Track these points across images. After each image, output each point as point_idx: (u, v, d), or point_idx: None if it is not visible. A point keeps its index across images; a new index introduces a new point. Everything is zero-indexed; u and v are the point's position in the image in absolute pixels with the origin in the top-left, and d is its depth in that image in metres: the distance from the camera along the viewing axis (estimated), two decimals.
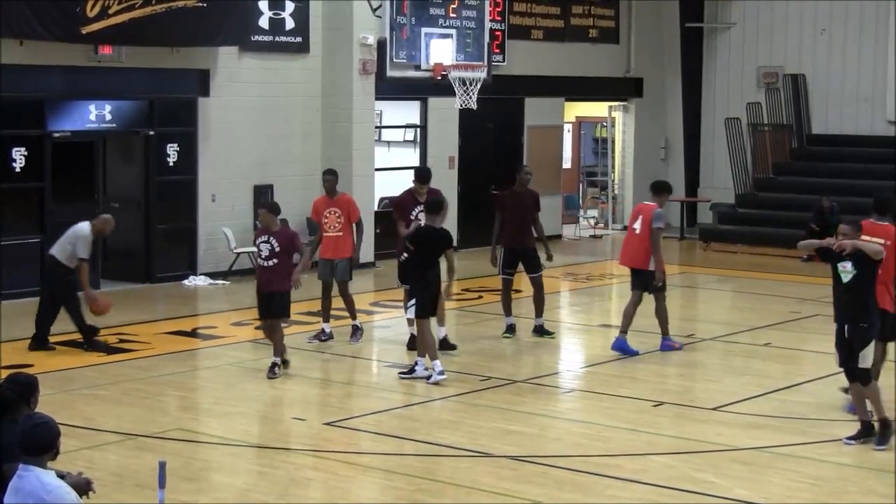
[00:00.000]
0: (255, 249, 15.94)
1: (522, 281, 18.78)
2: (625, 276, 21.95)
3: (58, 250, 16.81)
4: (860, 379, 12.36)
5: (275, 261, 15.28)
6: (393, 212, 17.72)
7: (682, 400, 14.51)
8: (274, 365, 15.31)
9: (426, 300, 15.15)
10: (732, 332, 18.15)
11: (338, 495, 11.06)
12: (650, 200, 17.00)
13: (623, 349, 16.65)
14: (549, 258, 18.06)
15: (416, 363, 15.28)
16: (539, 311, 17.87)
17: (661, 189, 17.18)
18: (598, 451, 12.36)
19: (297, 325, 17.86)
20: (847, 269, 12.22)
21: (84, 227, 16.75)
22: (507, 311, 17.95)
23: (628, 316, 16.77)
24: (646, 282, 16.76)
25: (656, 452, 12.33)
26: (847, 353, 12.39)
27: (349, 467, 11.88)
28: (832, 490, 11.27)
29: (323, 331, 17.49)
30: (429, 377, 15.00)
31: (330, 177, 17.66)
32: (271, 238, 15.31)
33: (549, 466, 11.80)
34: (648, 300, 16.81)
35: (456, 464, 11.97)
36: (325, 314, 17.54)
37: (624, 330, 16.74)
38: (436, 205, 15.59)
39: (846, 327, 12.35)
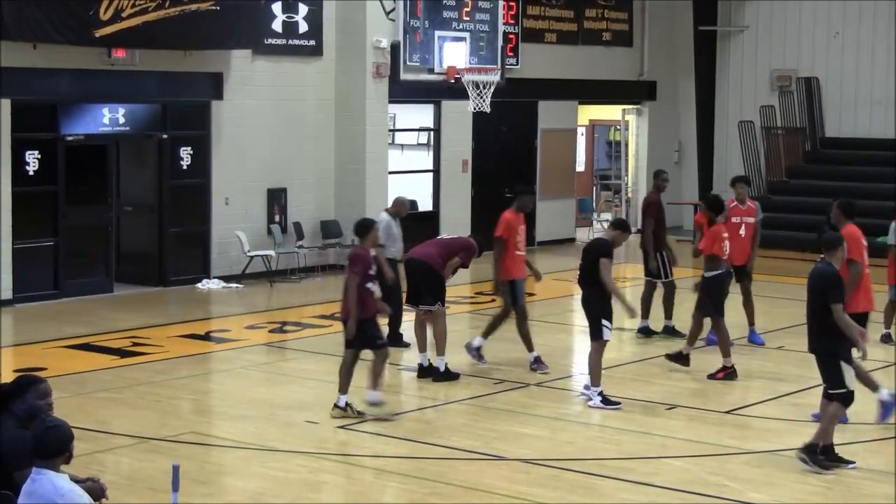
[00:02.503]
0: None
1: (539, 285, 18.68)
2: (638, 280, 21.96)
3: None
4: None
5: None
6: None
7: (695, 403, 14.49)
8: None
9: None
10: (746, 336, 18.09)
11: (351, 499, 11.07)
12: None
13: (754, 341, 17.67)
14: (674, 262, 18.54)
15: (594, 391, 14.36)
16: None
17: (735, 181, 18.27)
18: (611, 455, 12.35)
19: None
20: None
21: (381, 216, 16.99)
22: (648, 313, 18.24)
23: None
24: (742, 274, 17.59)
25: (669, 455, 12.32)
26: None
27: (363, 471, 11.87)
28: (844, 493, 11.25)
29: (538, 359, 16.07)
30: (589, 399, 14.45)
31: (532, 196, 17.00)
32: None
33: (562, 469, 11.80)
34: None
35: (469, 467, 11.97)
36: (530, 342, 16.17)
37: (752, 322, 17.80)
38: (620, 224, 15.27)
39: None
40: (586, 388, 14.50)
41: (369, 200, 24.48)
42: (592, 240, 15.06)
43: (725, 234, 16.01)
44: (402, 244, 17.30)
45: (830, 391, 11.79)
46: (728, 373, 15.45)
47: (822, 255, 12.15)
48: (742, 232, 17.59)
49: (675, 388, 15.16)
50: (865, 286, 14.06)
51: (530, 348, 16.04)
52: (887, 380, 14.83)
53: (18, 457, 7.24)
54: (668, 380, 15.62)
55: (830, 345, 11.66)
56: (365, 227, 14.13)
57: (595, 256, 14.46)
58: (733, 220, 17.53)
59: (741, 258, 17.44)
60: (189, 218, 22.80)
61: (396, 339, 17.05)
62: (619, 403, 14.22)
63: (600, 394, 14.23)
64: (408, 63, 24.02)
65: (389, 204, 18.43)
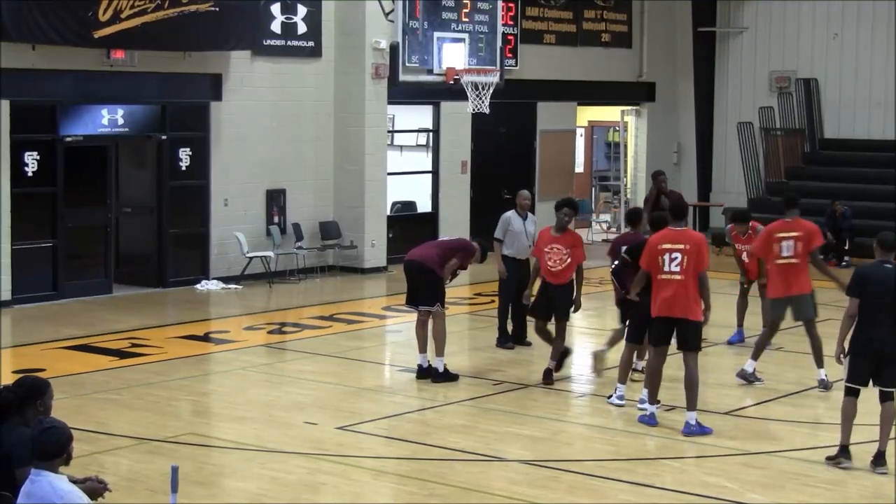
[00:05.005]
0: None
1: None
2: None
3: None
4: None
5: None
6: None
7: None
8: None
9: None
10: (745, 337, 18.09)
11: (350, 500, 11.05)
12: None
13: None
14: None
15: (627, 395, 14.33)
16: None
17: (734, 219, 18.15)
18: (610, 456, 12.35)
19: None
20: None
21: (507, 213, 17.45)
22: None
23: None
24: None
25: (668, 457, 12.32)
26: None
27: (362, 472, 11.86)
28: (844, 494, 11.24)
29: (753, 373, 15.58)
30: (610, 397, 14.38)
31: (798, 202, 16.13)
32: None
33: (562, 471, 11.79)
34: None
35: (468, 468, 11.96)
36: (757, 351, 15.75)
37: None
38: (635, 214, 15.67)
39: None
40: (618, 397, 14.35)
41: (368, 201, 24.49)
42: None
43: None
44: (528, 242, 17.08)
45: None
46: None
47: (877, 258, 11.88)
48: (745, 258, 17.70)
49: (674, 390, 15.12)
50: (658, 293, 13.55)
51: (820, 363, 15.37)
52: None
53: (24, 455, 7.26)
54: (666, 381, 15.57)
55: None
56: (638, 216, 15.62)
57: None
58: (737, 247, 17.74)
59: (754, 275, 17.60)
60: (188, 219, 22.79)
61: (521, 339, 17.46)
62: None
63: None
64: (407, 64, 24.03)
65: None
